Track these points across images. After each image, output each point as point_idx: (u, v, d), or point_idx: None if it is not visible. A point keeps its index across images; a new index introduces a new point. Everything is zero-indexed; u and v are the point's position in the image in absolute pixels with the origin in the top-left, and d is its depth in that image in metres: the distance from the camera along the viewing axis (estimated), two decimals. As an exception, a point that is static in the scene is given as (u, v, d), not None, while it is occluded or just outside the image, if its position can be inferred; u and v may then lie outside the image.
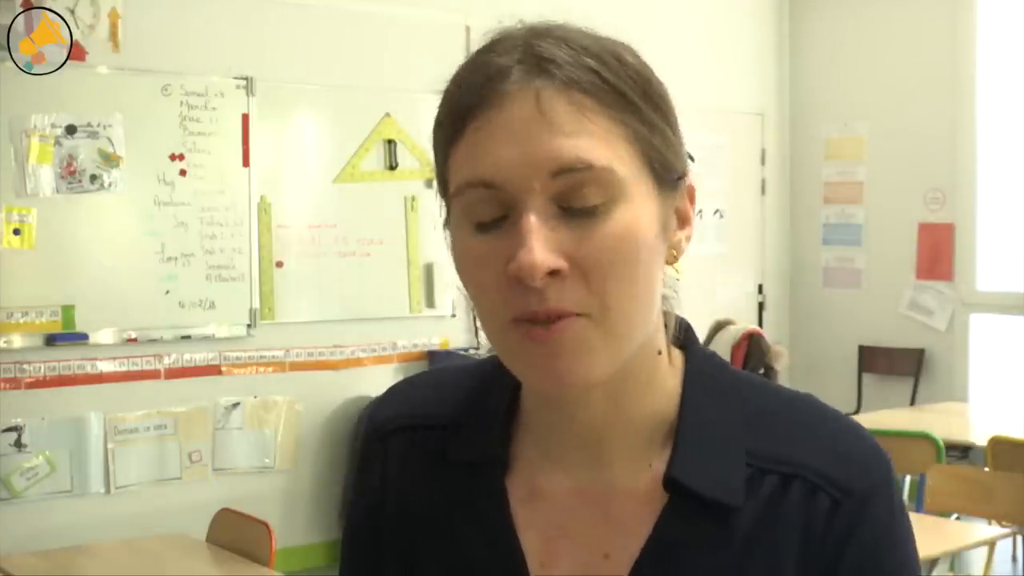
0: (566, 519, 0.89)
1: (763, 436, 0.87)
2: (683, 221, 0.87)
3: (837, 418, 0.90)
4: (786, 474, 0.86)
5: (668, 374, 0.89)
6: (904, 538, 0.88)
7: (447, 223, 0.86)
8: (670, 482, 0.85)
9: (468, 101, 0.81)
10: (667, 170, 0.84)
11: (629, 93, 0.81)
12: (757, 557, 0.84)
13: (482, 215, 0.81)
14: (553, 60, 0.80)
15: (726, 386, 0.90)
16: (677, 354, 0.91)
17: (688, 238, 0.88)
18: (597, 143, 0.79)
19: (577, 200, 0.79)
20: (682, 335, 0.92)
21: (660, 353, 0.88)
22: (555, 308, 0.78)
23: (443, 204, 0.87)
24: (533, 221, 0.78)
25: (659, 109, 0.84)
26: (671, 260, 0.87)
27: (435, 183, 0.88)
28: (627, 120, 0.81)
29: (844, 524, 0.85)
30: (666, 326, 0.90)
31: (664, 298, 0.89)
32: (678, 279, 0.88)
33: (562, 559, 0.88)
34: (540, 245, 0.77)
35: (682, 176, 0.86)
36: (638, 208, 0.81)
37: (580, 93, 0.80)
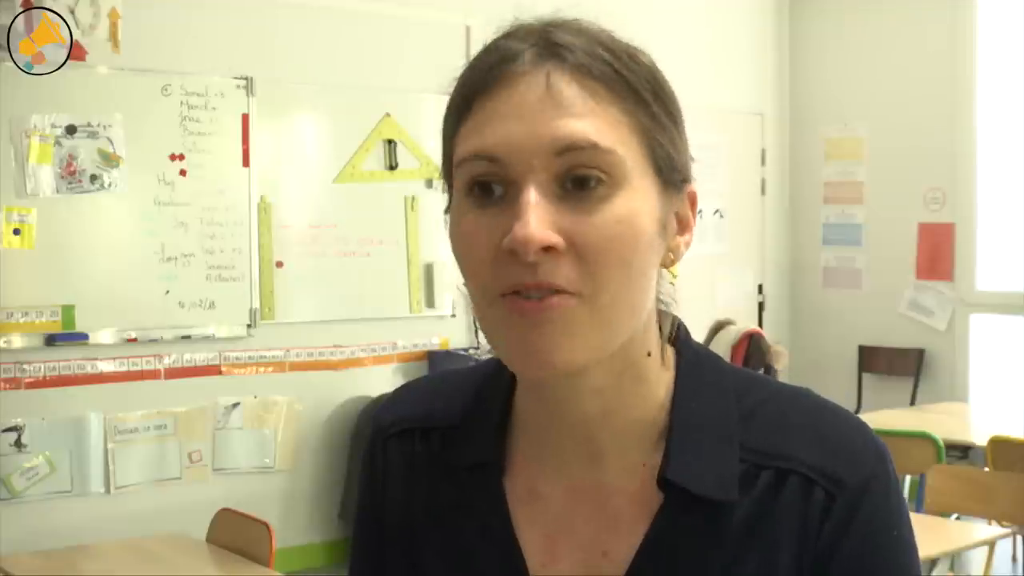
0: (564, 518, 0.90)
1: (758, 431, 0.88)
2: (683, 227, 0.88)
3: (834, 411, 0.90)
4: (781, 468, 0.86)
5: (659, 375, 0.90)
6: (901, 532, 0.88)
7: (447, 209, 0.87)
8: (664, 482, 0.86)
9: (480, 80, 0.83)
10: (672, 170, 0.85)
11: (639, 87, 0.83)
12: (754, 552, 0.85)
13: (482, 189, 0.81)
14: (566, 46, 0.81)
15: (719, 383, 0.91)
16: (670, 354, 0.91)
17: (687, 244, 0.88)
18: (604, 126, 0.80)
19: (579, 180, 0.80)
20: (676, 335, 0.92)
21: (649, 355, 0.88)
22: (546, 282, 0.79)
23: (446, 189, 0.88)
24: (533, 196, 0.79)
25: (668, 110, 0.85)
26: (668, 263, 0.87)
27: (440, 173, 0.89)
28: (635, 112, 0.82)
29: (839, 518, 0.85)
30: (660, 328, 0.90)
31: (660, 301, 0.90)
32: (673, 283, 0.89)
33: (562, 558, 0.89)
34: (537, 219, 0.78)
35: (686, 180, 0.87)
36: (639, 199, 0.82)
37: (591, 79, 0.81)
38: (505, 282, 0.80)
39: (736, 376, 0.92)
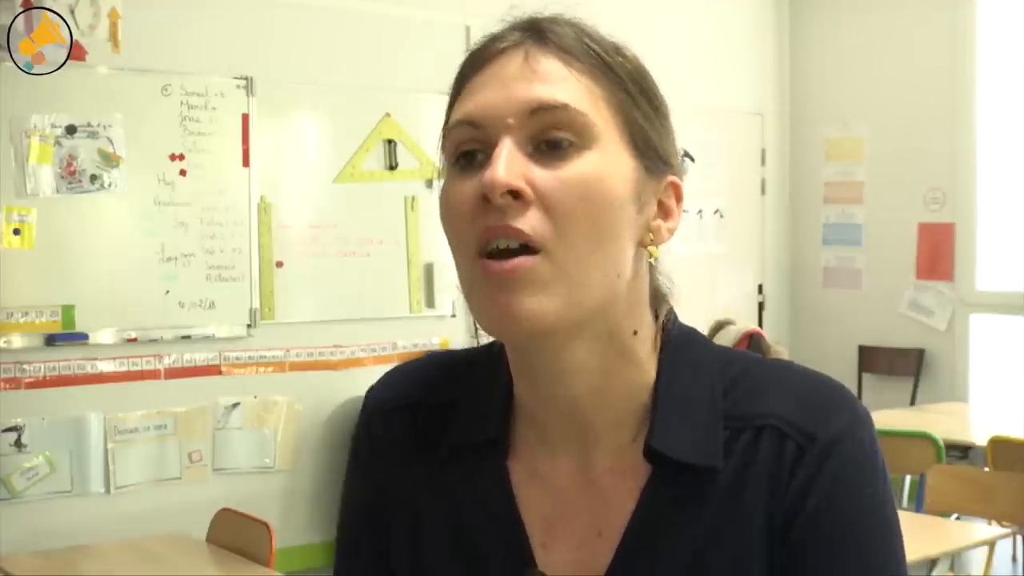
0: (563, 499, 0.92)
1: (739, 399, 0.90)
2: (666, 213, 0.91)
3: (815, 376, 0.92)
4: (757, 426, 0.88)
5: (649, 356, 0.91)
6: (873, 486, 0.88)
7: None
8: (650, 452, 0.88)
9: (469, 63, 0.90)
10: (651, 150, 0.88)
11: (619, 70, 0.87)
12: (733, 508, 0.87)
13: (466, 159, 0.87)
14: (551, 30, 0.88)
15: (703, 358, 0.93)
16: (658, 335, 0.94)
17: (670, 231, 0.91)
18: (577, 91, 0.85)
19: (550, 138, 0.84)
20: (665, 317, 0.95)
21: (636, 333, 0.90)
22: (511, 226, 0.82)
23: (442, 168, 0.92)
24: (506, 145, 0.83)
25: (650, 99, 0.89)
26: (647, 242, 0.89)
27: (438, 157, 0.93)
28: (612, 89, 0.87)
29: (807, 472, 0.86)
30: (656, 314, 0.93)
31: (656, 287, 0.93)
32: (652, 261, 0.91)
33: (560, 539, 0.91)
34: (505, 166, 0.82)
35: (669, 168, 0.90)
36: (610, 163, 0.85)
37: (569, 56, 0.87)
38: (479, 227, 0.83)
39: (720, 352, 0.95)
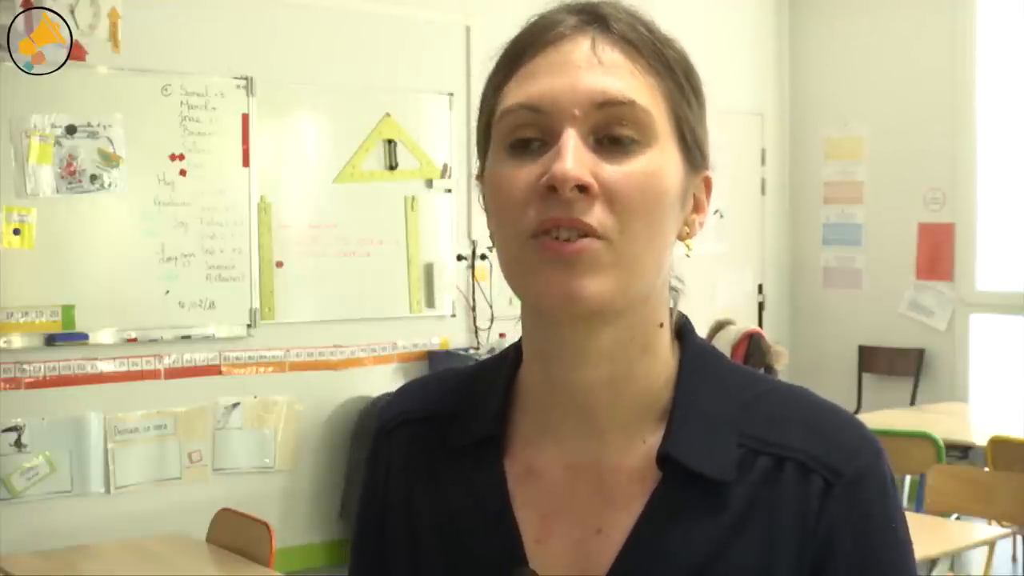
0: (560, 495, 0.91)
1: (756, 420, 0.90)
2: (698, 207, 0.93)
3: (831, 408, 0.93)
4: (779, 456, 0.88)
5: (667, 352, 0.92)
6: (896, 521, 0.89)
7: (479, 175, 0.92)
8: (664, 458, 0.88)
9: (526, 43, 0.89)
10: (695, 145, 0.90)
11: (672, 63, 0.89)
12: (751, 535, 0.86)
13: (521, 144, 0.86)
14: (611, 16, 0.88)
15: (721, 373, 0.94)
16: (675, 341, 0.95)
17: (701, 224, 0.93)
18: (641, 87, 0.86)
19: (614, 133, 0.85)
20: (681, 324, 0.96)
21: (662, 326, 0.91)
22: (579, 219, 0.83)
23: (482, 143, 0.92)
24: (572, 137, 0.84)
25: (696, 92, 0.91)
26: (683, 236, 0.91)
27: (477, 138, 0.93)
28: (667, 84, 0.88)
29: (837, 506, 0.87)
30: (671, 312, 0.94)
31: (671, 285, 0.94)
32: (688, 255, 0.93)
33: (556, 535, 0.91)
34: (575, 159, 0.83)
35: (705, 160, 0.92)
36: (666, 159, 0.87)
37: (631, 47, 0.87)
38: (542, 217, 0.83)
39: (737, 370, 0.96)
